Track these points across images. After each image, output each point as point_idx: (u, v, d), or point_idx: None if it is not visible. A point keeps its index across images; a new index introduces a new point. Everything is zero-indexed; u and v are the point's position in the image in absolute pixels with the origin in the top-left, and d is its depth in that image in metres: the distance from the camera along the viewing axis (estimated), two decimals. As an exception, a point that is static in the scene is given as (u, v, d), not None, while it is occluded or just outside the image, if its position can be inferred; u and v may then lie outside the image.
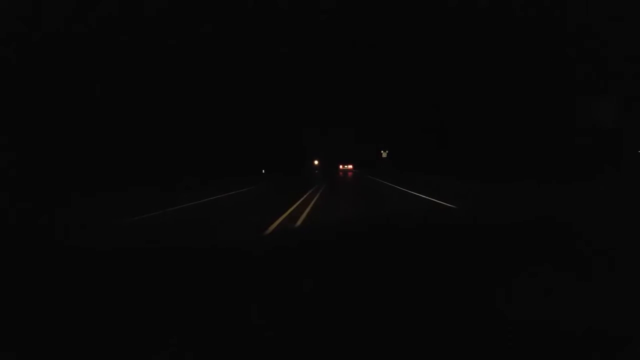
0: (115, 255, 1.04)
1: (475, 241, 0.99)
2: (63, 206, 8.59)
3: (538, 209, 1.53)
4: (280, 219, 6.83)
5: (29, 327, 0.64)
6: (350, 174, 45.37)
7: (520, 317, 0.62)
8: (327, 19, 29.05)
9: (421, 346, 0.58)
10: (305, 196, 11.83)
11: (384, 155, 43.42)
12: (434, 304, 0.67)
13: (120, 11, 13.86)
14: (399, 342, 0.59)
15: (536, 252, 0.88)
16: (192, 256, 0.98)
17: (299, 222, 6.49)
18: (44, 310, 0.69)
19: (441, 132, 23.60)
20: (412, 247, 0.99)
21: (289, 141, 45.90)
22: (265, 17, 26.98)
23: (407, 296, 0.69)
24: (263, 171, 32.88)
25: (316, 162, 63.15)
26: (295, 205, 9.01)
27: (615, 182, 8.65)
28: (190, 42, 19.45)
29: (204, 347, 0.59)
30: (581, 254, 0.83)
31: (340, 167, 62.43)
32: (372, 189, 15.93)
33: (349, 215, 7.53)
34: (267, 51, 32.45)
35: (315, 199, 10.94)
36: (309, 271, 0.82)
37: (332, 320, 0.64)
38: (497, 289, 0.70)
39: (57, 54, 11.86)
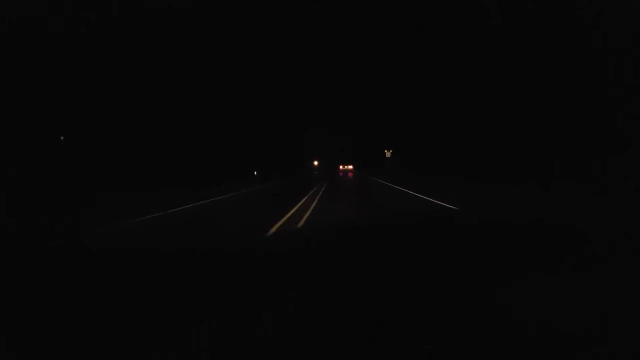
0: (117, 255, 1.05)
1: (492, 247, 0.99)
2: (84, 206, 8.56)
3: (549, 211, 1.52)
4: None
5: (30, 327, 0.63)
6: (350, 174, 45.42)
7: (518, 316, 0.62)
8: (327, 17, 29.02)
9: (422, 346, 0.58)
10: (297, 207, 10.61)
11: (388, 154, 39.68)
12: (435, 306, 0.67)
13: (120, 12, 13.88)
14: (401, 340, 0.59)
15: (538, 253, 0.88)
16: (196, 257, 1.00)
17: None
18: (48, 311, 0.68)
19: (458, 129, 21.79)
20: (414, 248, 0.99)
21: (286, 141, 45.33)
22: (265, 16, 26.99)
23: (409, 303, 0.69)
24: (255, 173, 29.33)
25: (316, 163, 62.83)
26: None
27: (620, 182, 8.66)
28: (193, 42, 19.43)
29: (209, 346, 0.59)
30: (581, 255, 0.83)
31: (341, 167, 62.10)
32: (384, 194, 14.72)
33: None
34: (266, 50, 32.44)
35: (312, 206, 10.16)
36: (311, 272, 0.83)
37: (334, 325, 0.63)
38: (497, 290, 0.70)
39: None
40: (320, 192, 14.22)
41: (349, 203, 10.76)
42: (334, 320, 0.64)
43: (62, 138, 12.88)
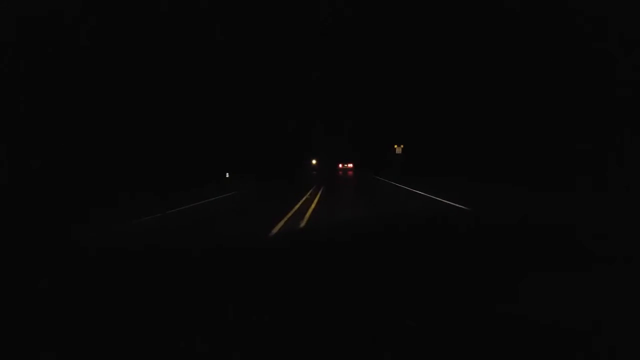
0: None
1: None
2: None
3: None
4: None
5: (37, 326, 0.63)
6: (350, 172, 45.42)
7: (519, 315, 0.60)
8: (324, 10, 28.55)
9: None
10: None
11: (399, 150, 33.26)
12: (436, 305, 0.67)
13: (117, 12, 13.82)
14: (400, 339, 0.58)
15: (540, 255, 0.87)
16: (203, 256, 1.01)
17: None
18: (60, 312, 0.68)
19: (463, 127, 20.17)
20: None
21: (285, 140, 43.99)
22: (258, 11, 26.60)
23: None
24: (227, 175, 23.93)
25: (314, 162, 62.21)
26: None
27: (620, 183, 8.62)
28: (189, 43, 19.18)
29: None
30: (581, 257, 0.83)
31: (340, 166, 61.46)
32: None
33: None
34: (265, 50, 32.08)
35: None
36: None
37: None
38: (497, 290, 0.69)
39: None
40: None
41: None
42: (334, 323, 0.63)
43: None
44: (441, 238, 1.18)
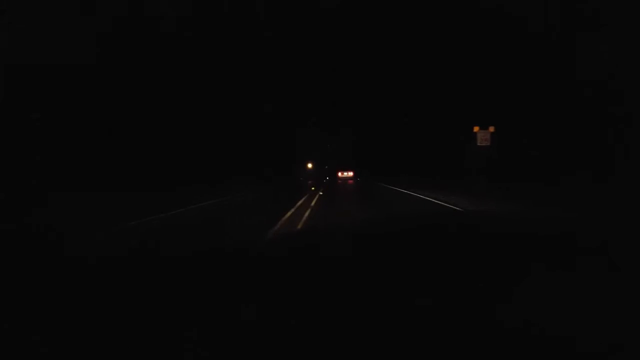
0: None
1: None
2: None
3: None
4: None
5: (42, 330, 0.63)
6: (350, 182, 41.68)
7: (515, 321, 0.59)
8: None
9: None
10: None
11: (485, 139, 13.43)
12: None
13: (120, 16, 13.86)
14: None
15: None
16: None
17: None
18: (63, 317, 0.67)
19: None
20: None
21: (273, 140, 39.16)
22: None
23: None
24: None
25: (310, 166, 58.48)
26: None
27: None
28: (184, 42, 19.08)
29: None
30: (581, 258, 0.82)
31: (339, 174, 54.45)
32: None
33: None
34: (263, 49, 31.61)
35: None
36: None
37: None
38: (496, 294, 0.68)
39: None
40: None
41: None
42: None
43: None
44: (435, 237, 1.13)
